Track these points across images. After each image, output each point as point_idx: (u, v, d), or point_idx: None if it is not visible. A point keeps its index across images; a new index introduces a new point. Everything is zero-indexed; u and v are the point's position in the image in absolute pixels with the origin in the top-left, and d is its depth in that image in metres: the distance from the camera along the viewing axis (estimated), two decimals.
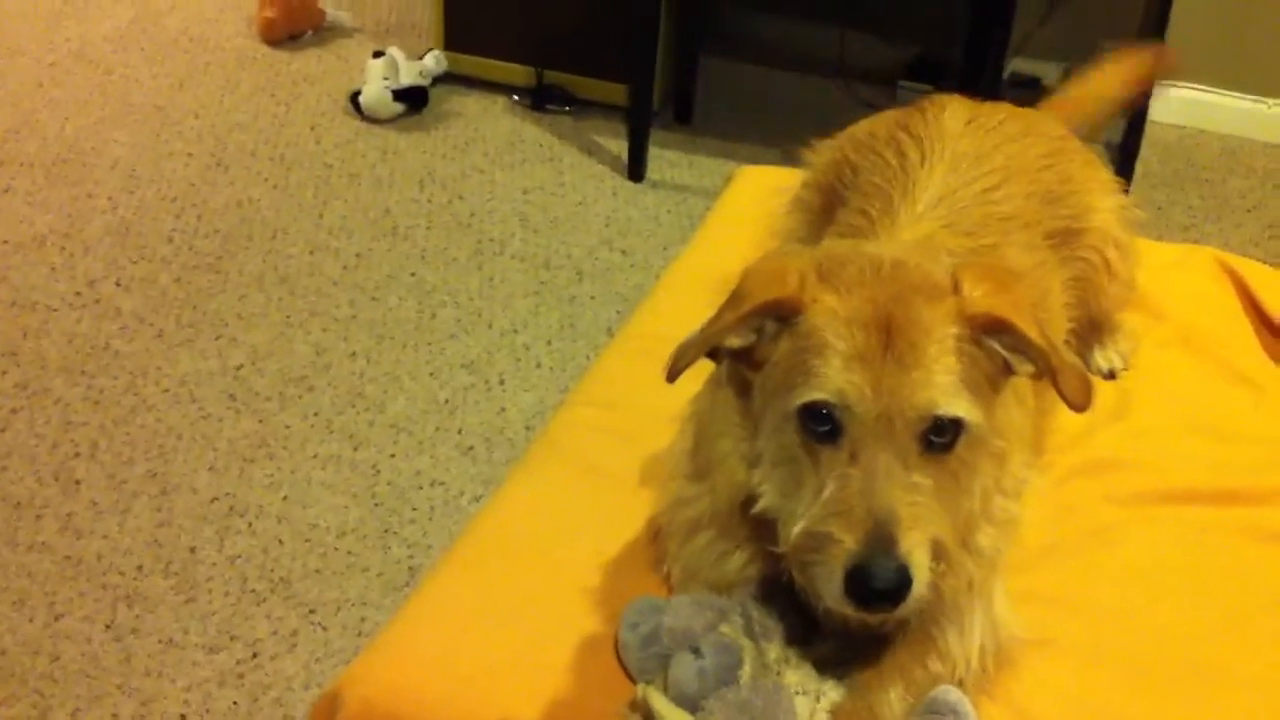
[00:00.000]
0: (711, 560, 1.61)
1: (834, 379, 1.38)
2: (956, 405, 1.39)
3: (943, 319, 1.41)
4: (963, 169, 1.94)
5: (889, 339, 1.39)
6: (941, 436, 1.40)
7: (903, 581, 1.34)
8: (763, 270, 1.49)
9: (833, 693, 1.52)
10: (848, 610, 1.38)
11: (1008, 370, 1.48)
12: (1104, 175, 2.18)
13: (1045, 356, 1.44)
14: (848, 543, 1.34)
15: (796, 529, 1.40)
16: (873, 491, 1.35)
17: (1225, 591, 1.81)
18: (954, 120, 2.03)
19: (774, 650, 1.52)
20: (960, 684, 1.54)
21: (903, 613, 1.39)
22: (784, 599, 1.55)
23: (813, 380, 1.39)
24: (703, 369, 1.58)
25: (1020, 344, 1.45)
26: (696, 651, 1.48)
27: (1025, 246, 1.93)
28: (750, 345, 1.47)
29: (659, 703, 1.45)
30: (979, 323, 1.42)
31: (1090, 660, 1.66)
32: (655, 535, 1.73)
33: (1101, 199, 2.12)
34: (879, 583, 1.33)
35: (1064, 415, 1.88)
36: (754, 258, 1.68)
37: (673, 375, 1.48)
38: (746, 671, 1.48)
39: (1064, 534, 1.85)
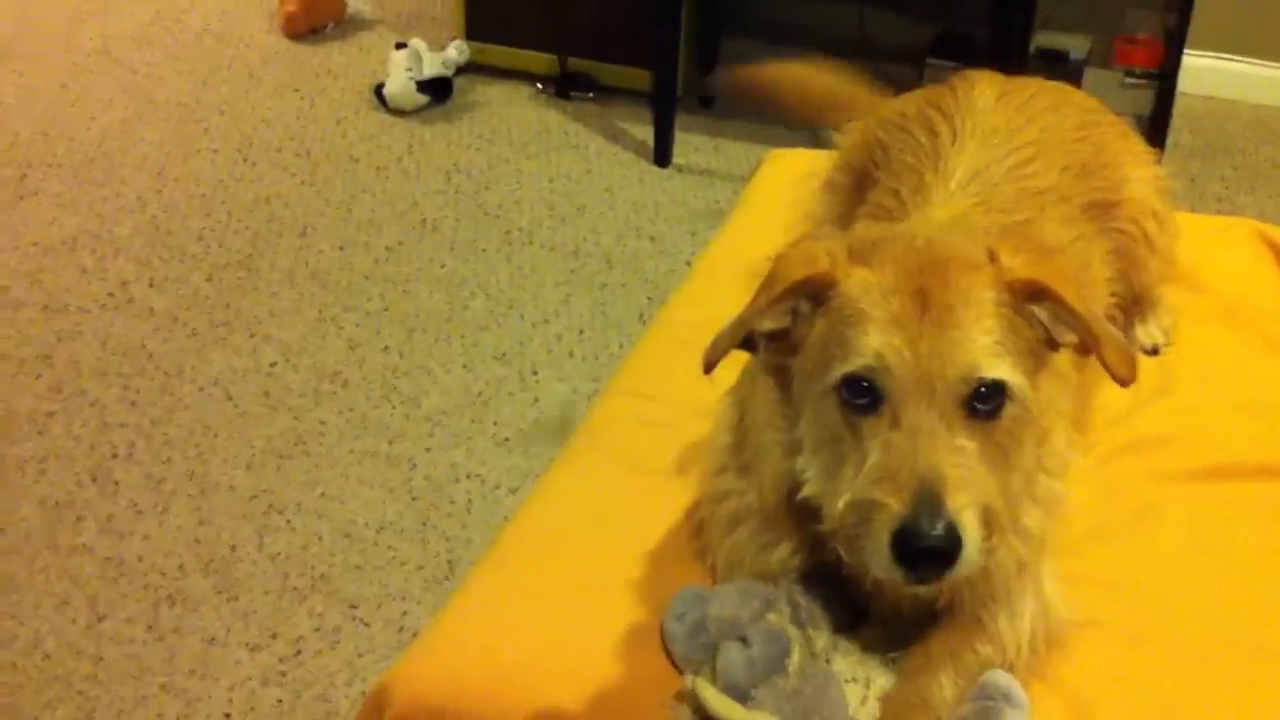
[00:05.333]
0: (754, 551, 1.59)
1: (872, 344, 1.36)
2: (998, 367, 1.37)
3: (981, 284, 1.39)
4: (995, 145, 1.91)
5: (925, 304, 1.37)
6: (985, 404, 1.37)
7: (952, 541, 1.30)
8: (794, 253, 1.48)
9: (882, 679, 1.52)
10: (897, 577, 1.34)
11: (1050, 343, 1.46)
12: (1138, 146, 2.16)
13: (1086, 325, 1.42)
14: (893, 506, 1.31)
15: (842, 501, 1.37)
16: (916, 453, 1.32)
17: (1273, 567, 1.79)
18: (984, 96, 2.01)
19: (822, 638, 1.51)
20: (1010, 668, 1.52)
21: (955, 576, 1.34)
22: (830, 586, 1.54)
23: (851, 350, 1.37)
24: (740, 360, 1.57)
25: (1061, 312, 1.42)
26: (744, 640, 1.47)
27: (1062, 220, 1.90)
28: (785, 329, 1.46)
29: (708, 693, 1.43)
30: (1018, 289, 1.40)
31: (1140, 641, 1.65)
32: (697, 529, 1.72)
33: (1136, 169, 2.10)
34: (928, 542, 1.29)
35: (1107, 393, 1.87)
36: (786, 242, 1.67)
37: (709, 366, 1.47)
38: (795, 660, 1.47)
39: (1110, 514, 1.83)
